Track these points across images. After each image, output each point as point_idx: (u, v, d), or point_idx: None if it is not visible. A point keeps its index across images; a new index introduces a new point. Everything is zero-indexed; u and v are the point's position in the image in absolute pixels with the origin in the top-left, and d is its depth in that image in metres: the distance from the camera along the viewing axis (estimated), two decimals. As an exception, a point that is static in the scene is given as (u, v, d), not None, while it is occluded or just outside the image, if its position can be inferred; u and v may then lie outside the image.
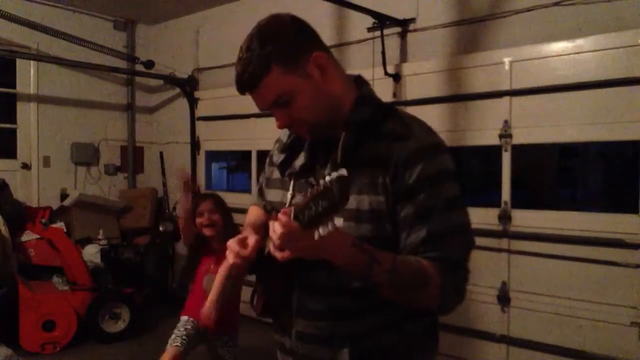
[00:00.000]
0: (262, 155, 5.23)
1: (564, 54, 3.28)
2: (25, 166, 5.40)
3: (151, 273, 5.21)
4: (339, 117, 1.22)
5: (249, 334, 4.68)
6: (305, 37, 1.20)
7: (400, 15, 3.99)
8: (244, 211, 5.42)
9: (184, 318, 2.77)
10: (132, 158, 6.16)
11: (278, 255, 1.03)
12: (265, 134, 5.06)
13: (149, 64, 5.79)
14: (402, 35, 4.07)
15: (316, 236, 0.93)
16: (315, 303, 1.25)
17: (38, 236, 4.51)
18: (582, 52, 3.22)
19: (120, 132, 6.10)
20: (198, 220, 2.78)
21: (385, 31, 4.01)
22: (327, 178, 0.91)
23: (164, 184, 5.96)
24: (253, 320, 5.16)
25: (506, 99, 3.50)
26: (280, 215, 0.99)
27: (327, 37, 5.12)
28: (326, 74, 1.19)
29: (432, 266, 1.12)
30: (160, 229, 5.15)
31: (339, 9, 4.26)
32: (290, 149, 1.34)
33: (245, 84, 1.18)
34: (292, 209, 0.99)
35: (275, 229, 0.98)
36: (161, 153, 6.11)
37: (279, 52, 1.14)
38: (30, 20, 4.99)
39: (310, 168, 1.29)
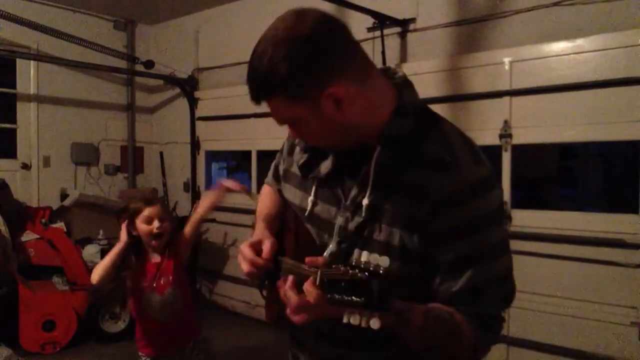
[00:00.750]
0: (262, 155, 5.23)
1: (564, 54, 3.28)
2: (25, 166, 5.40)
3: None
4: (370, 132, 1.06)
5: (251, 334, 4.69)
6: (324, 63, 0.98)
7: (400, 15, 3.99)
8: (244, 211, 5.42)
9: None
10: (132, 158, 6.16)
11: (294, 318, 0.96)
12: (265, 134, 5.06)
13: (149, 64, 5.79)
14: (402, 35, 4.07)
15: (345, 320, 0.83)
16: (329, 328, 1.12)
17: (38, 236, 4.50)
18: (582, 52, 3.22)
19: (120, 132, 6.10)
20: (145, 227, 2.36)
21: (385, 31, 4.01)
22: (366, 262, 0.80)
23: (164, 184, 5.96)
24: (254, 321, 5.15)
25: (506, 99, 3.50)
26: (306, 287, 0.90)
27: (327, 37, 5.07)
28: (343, 106, 1.00)
29: (467, 322, 1.01)
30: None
31: (339, 9, 4.26)
32: (314, 150, 1.18)
33: (253, 97, 1.05)
34: (319, 274, 0.88)
35: (294, 300, 0.92)
36: (161, 153, 6.11)
37: (285, 81, 0.97)
38: (30, 20, 4.98)
39: (337, 177, 1.14)
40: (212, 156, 6.03)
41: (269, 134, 5.01)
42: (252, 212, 5.19)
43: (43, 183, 5.47)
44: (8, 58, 5.17)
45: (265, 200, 1.45)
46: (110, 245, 4.97)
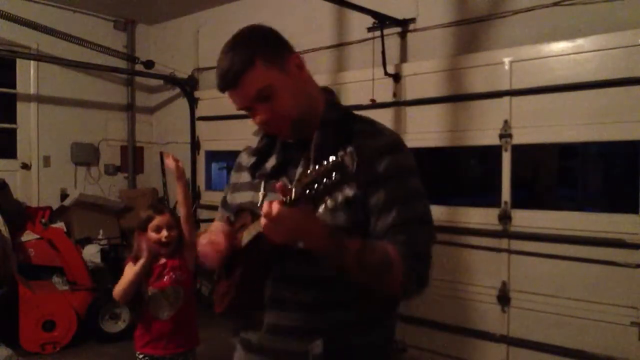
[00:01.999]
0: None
1: (564, 54, 3.29)
2: (25, 166, 5.40)
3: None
4: (312, 117, 1.30)
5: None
6: (283, 41, 1.30)
7: (400, 15, 3.99)
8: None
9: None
10: (132, 158, 6.16)
11: (266, 230, 1.08)
12: (265, 134, 5.06)
13: (149, 64, 5.79)
14: (402, 35, 4.07)
15: (322, 209, 0.99)
16: (289, 294, 1.27)
17: (38, 236, 4.50)
18: (582, 52, 3.22)
19: (120, 132, 6.10)
20: (154, 236, 2.45)
21: (385, 31, 4.01)
22: (338, 154, 0.97)
23: (164, 184, 5.96)
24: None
25: (506, 99, 3.50)
26: (277, 193, 1.05)
27: (327, 37, 5.14)
28: (303, 73, 1.30)
29: (396, 252, 1.19)
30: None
31: (339, 9, 4.26)
32: (260, 152, 1.41)
33: (229, 80, 1.24)
34: (293, 187, 1.03)
35: (272, 207, 1.04)
36: (161, 153, 6.11)
37: (262, 48, 1.24)
38: (30, 20, 4.99)
39: (281, 169, 1.35)
40: (212, 156, 6.03)
41: (269, 134, 5.02)
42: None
43: (43, 183, 5.47)
44: (8, 58, 5.18)
45: (212, 227, 1.59)
46: (110, 246, 5.00)
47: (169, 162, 2.64)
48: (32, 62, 5.33)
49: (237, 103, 1.30)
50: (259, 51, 1.23)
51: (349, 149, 0.97)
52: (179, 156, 6.14)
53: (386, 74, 3.99)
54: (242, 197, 1.44)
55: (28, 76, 5.38)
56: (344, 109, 1.39)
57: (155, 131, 6.36)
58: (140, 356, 2.50)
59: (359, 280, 1.19)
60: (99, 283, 4.50)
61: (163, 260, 2.50)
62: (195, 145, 5.75)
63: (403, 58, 4.08)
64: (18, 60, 5.31)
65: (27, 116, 5.40)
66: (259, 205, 1.33)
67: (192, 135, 5.74)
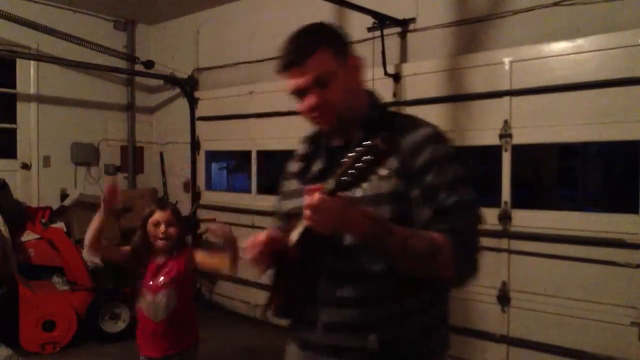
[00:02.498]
0: (262, 155, 5.23)
1: (564, 54, 3.29)
2: (25, 166, 5.40)
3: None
4: (355, 117, 1.35)
5: (251, 334, 4.69)
6: (348, 41, 1.38)
7: (400, 15, 3.99)
8: (244, 211, 5.43)
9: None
10: (132, 158, 6.16)
11: (309, 221, 1.13)
12: (265, 134, 5.07)
13: (149, 64, 5.79)
14: (402, 35, 4.07)
15: (358, 193, 1.05)
16: (341, 290, 1.30)
17: (38, 236, 4.50)
18: (582, 52, 3.22)
19: (120, 132, 6.10)
20: (152, 230, 2.47)
21: (385, 31, 4.00)
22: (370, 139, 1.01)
23: (164, 184, 5.96)
24: (254, 321, 5.15)
25: (506, 99, 3.50)
26: (315, 187, 1.11)
27: (327, 37, 5.05)
28: (358, 75, 1.38)
29: (443, 237, 1.21)
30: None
31: (339, 9, 4.26)
32: (306, 158, 1.47)
33: (296, 58, 1.30)
34: (330, 180, 1.07)
35: (313, 197, 1.09)
36: (161, 153, 6.11)
37: (332, 39, 1.34)
38: (30, 20, 4.99)
39: (327, 173, 1.33)
40: (212, 156, 6.03)
41: (269, 134, 5.02)
42: (253, 212, 5.21)
43: (43, 183, 5.47)
44: (8, 58, 5.17)
45: None
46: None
47: (216, 229, 2.42)
48: (32, 62, 5.33)
49: (294, 84, 1.32)
50: (329, 40, 1.32)
51: (382, 133, 1.01)
52: (179, 156, 6.18)
53: (386, 74, 3.99)
54: (291, 204, 1.46)
55: (28, 76, 5.38)
56: (384, 108, 1.46)
57: (155, 131, 6.36)
58: (141, 357, 2.52)
59: (406, 267, 1.22)
60: (99, 283, 4.50)
61: (162, 260, 2.48)
62: (195, 145, 5.75)
63: (403, 58, 4.08)
64: (18, 60, 5.31)
65: (27, 116, 5.40)
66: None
67: (192, 135, 5.74)
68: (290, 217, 1.42)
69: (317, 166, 1.42)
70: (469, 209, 1.29)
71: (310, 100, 1.31)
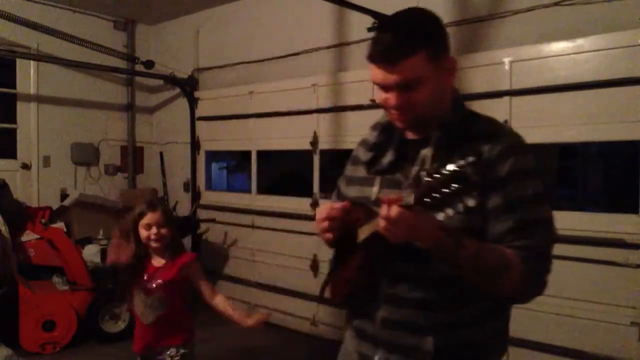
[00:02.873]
0: (262, 155, 5.23)
1: (564, 54, 3.28)
2: (25, 166, 5.40)
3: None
4: (435, 117, 1.31)
5: (251, 334, 4.69)
6: (448, 40, 1.30)
7: (400, 15, 3.99)
8: (244, 211, 5.41)
9: None
10: (132, 158, 6.17)
11: (385, 231, 1.12)
12: (265, 134, 5.07)
13: (149, 64, 5.79)
14: (402, 35, 4.06)
15: (442, 217, 1.03)
16: (403, 292, 1.30)
17: (38, 236, 4.50)
18: (582, 52, 3.22)
19: (120, 132, 6.11)
20: (144, 232, 2.43)
21: (385, 31, 4.00)
22: (454, 165, 0.99)
23: (164, 184, 5.96)
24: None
25: (506, 99, 3.50)
26: (392, 199, 1.09)
27: (327, 37, 5.13)
28: (450, 77, 1.32)
29: (515, 254, 1.19)
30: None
31: (339, 9, 4.26)
32: (377, 148, 1.43)
33: (389, 58, 1.23)
34: (409, 192, 1.08)
35: (391, 211, 1.07)
36: (161, 153, 6.11)
37: (432, 42, 1.25)
38: (30, 20, 4.99)
39: (397, 165, 1.37)
40: (212, 156, 6.03)
41: (269, 134, 5.02)
42: (253, 212, 5.20)
43: (43, 183, 5.47)
44: (8, 58, 5.17)
45: None
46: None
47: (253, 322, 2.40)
48: (32, 62, 5.33)
49: (379, 78, 1.29)
50: (428, 43, 1.24)
51: (471, 159, 0.98)
52: (179, 156, 6.19)
53: (386, 74, 3.98)
54: (356, 191, 1.45)
55: (28, 76, 5.38)
56: (466, 108, 1.39)
57: (155, 131, 6.36)
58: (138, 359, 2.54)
59: (473, 279, 1.21)
60: (99, 283, 4.50)
61: (160, 263, 2.47)
62: (195, 145, 5.75)
63: (403, 58, 4.07)
64: (18, 60, 5.31)
65: (27, 116, 5.40)
66: (372, 199, 1.36)
67: (192, 135, 5.74)
68: (354, 204, 1.42)
69: (387, 158, 1.39)
70: (546, 228, 1.27)
71: (392, 99, 1.28)
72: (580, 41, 3.22)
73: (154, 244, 2.45)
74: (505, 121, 3.49)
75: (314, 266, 4.60)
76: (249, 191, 5.30)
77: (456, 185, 0.98)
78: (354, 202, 1.41)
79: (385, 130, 1.44)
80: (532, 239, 1.22)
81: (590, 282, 3.18)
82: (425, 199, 1.03)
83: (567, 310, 3.27)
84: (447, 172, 0.99)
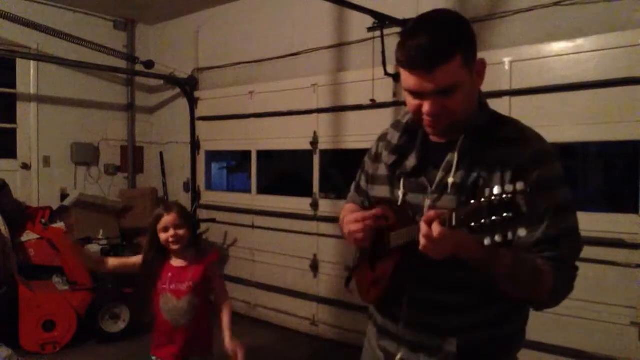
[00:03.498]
0: (262, 155, 5.23)
1: (564, 54, 3.28)
2: (25, 166, 5.40)
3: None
4: (464, 120, 1.28)
5: (251, 334, 4.69)
6: (476, 42, 1.27)
7: (400, 15, 3.99)
8: (244, 211, 5.41)
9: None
10: (132, 158, 6.17)
11: (425, 249, 1.11)
12: (265, 134, 5.07)
13: (149, 64, 5.79)
14: (402, 35, 4.06)
15: (487, 242, 0.98)
16: (428, 296, 1.33)
17: (38, 236, 4.50)
18: (582, 52, 3.22)
19: (120, 132, 6.11)
20: (163, 235, 2.43)
21: (385, 31, 4.00)
22: (506, 188, 0.95)
23: (164, 184, 5.96)
24: (254, 321, 5.16)
25: (506, 99, 3.50)
26: (435, 220, 1.07)
27: (327, 37, 5.12)
28: (480, 79, 1.29)
29: (547, 265, 1.20)
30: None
31: (339, 9, 4.26)
32: (400, 151, 1.42)
33: (424, 64, 1.18)
34: (454, 214, 1.05)
35: (434, 231, 1.05)
36: (161, 153, 6.11)
37: (466, 46, 1.21)
38: (30, 20, 4.99)
39: (421, 169, 1.37)
40: (212, 156, 6.03)
41: (269, 134, 5.02)
42: (253, 212, 5.20)
43: (43, 183, 5.47)
44: (8, 58, 5.17)
45: (346, 211, 1.62)
46: (110, 246, 4.99)
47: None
48: (32, 62, 5.33)
49: (414, 85, 1.23)
50: (463, 48, 1.20)
51: (519, 186, 0.94)
52: (179, 156, 6.19)
53: (386, 74, 3.98)
54: (380, 191, 1.46)
55: (28, 76, 5.37)
56: (491, 111, 1.36)
57: (155, 131, 6.36)
58: (153, 358, 2.49)
59: (508, 289, 1.22)
60: (99, 283, 4.50)
61: (181, 264, 2.45)
62: (195, 145, 5.75)
63: (403, 58, 4.07)
64: (18, 60, 5.31)
65: (27, 116, 5.40)
66: (399, 203, 1.37)
67: (192, 135, 5.74)
68: (377, 203, 1.44)
69: (411, 162, 1.38)
70: (575, 238, 1.28)
71: (427, 106, 1.23)
72: (580, 41, 3.22)
73: (173, 246, 2.43)
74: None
75: (314, 266, 4.60)
76: (249, 191, 5.30)
77: (507, 215, 0.94)
78: (382, 200, 1.43)
79: (407, 131, 1.42)
80: (561, 249, 1.22)
81: (590, 282, 3.18)
82: (472, 224, 1.00)
83: (567, 310, 3.26)
84: (494, 198, 0.96)
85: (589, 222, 3.22)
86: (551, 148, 1.30)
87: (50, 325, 4.12)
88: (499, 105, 3.49)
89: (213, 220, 5.44)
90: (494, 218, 0.95)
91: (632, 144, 3.38)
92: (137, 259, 2.54)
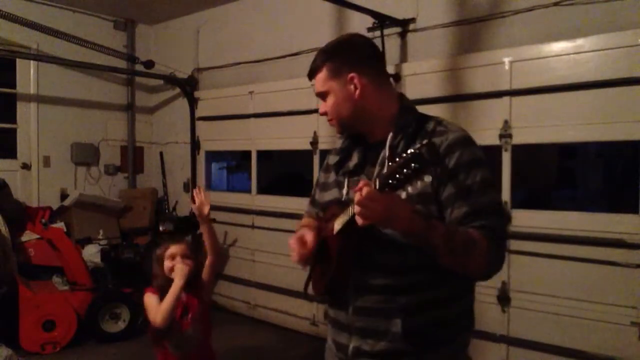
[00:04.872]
0: (262, 155, 5.23)
1: (564, 54, 3.28)
2: (25, 166, 5.40)
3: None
4: (380, 123, 1.49)
5: (251, 334, 4.69)
6: (351, 57, 1.50)
7: (400, 15, 3.99)
8: (244, 211, 5.42)
9: None
10: (132, 158, 6.17)
11: (359, 220, 1.21)
12: (265, 134, 5.07)
13: (149, 64, 5.79)
14: (402, 35, 4.07)
15: (404, 195, 1.18)
16: (372, 280, 1.42)
17: (38, 236, 4.51)
18: (582, 52, 3.22)
19: (120, 132, 6.11)
20: (168, 264, 2.45)
21: (385, 31, 4.00)
22: (414, 147, 1.11)
23: (164, 184, 5.96)
24: (254, 321, 5.16)
25: (506, 99, 3.50)
26: (364, 183, 1.20)
27: (327, 37, 5.12)
28: (358, 91, 1.47)
29: (478, 233, 1.31)
30: (160, 228, 5.15)
31: (339, 9, 4.26)
32: (344, 152, 1.60)
33: (310, 73, 1.55)
34: (377, 179, 1.18)
35: (363, 192, 1.17)
36: (161, 153, 6.11)
37: (333, 60, 1.50)
38: (30, 20, 4.99)
39: (361, 168, 1.53)
40: (212, 156, 6.03)
41: (269, 134, 5.02)
42: (253, 212, 5.20)
43: (43, 183, 5.47)
44: (8, 58, 5.17)
45: (303, 221, 1.76)
46: (110, 246, 5.00)
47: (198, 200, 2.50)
48: (32, 62, 5.33)
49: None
50: (330, 61, 1.49)
51: (425, 141, 1.10)
52: (179, 156, 6.18)
53: (386, 74, 3.98)
54: (330, 195, 1.61)
55: (28, 76, 5.37)
56: (415, 111, 1.53)
57: (155, 131, 6.36)
58: None
59: (447, 261, 1.30)
60: (99, 283, 4.50)
61: (184, 296, 2.45)
62: (195, 145, 5.75)
63: (403, 58, 4.08)
64: (18, 60, 5.31)
65: (27, 116, 5.40)
66: (342, 199, 1.51)
67: (192, 135, 5.74)
68: (328, 207, 1.58)
69: (352, 161, 1.55)
70: (500, 209, 1.43)
71: (320, 108, 1.55)
72: (580, 41, 3.22)
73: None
74: (506, 121, 3.50)
75: (314, 266, 4.59)
76: (249, 191, 5.30)
77: (414, 165, 1.09)
78: (331, 202, 1.57)
79: (351, 136, 1.60)
80: (488, 219, 1.33)
81: (591, 282, 3.19)
82: (390, 181, 1.14)
83: (567, 310, 3.27)
84: (405, 155, 1.11)
85: (589, 222, 3.23)
86: (470, 136, 1.46)
87: (50, 326, 4.12)
88: (499, 105, 3.52)
89: (213, 220, 5.39)
90: (405, 171, 1.11)
91: (632, 144, 3.38)
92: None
